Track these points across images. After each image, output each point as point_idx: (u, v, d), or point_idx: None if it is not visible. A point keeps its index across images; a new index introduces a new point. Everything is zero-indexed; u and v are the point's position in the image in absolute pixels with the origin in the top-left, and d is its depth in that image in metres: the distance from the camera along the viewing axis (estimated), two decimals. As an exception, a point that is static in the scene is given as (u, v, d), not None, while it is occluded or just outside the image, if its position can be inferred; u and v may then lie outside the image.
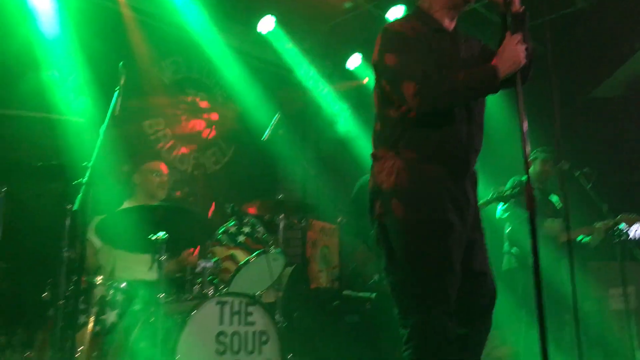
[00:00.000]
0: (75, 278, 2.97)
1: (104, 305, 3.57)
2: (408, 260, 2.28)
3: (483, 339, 2.40)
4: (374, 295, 4.98)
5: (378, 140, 2.47)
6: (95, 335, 3.50)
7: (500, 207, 4.99)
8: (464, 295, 2.32)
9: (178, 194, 5.24)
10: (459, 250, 2.31)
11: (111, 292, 3.61)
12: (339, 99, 6.82)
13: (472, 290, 2.36)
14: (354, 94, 6.82)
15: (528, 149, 2.20)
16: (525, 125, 2.20)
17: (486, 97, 2.52)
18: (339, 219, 5.05)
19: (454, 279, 2.27)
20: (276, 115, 4.54)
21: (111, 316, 3.56)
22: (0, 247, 3.20)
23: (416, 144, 2.35)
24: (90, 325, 3.51)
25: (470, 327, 2.35)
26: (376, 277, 4.96)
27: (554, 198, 5.09)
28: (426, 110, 2.31)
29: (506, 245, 5.05)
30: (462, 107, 2.39)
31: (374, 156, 2.47)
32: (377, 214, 2.38)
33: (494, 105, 2.48)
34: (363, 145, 6.14)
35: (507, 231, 5.02)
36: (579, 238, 4.99)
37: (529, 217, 2.12)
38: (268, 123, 4.55)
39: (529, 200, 2.12)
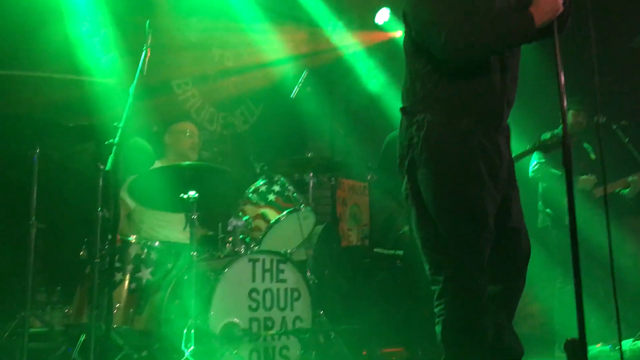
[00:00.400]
0: (110, 237, 3.02)
1: (139, 263, 3.65)
2: (439, 215, 2.25)
3: (517, 296, 2.38)
4: (403, 252, 4.98)
5: (408, 94, 2.40)
6: (131, 292, 3.59)
7: (532, 166, 4.89)
8: (498, 252, 2.28)
9: (207, 154, 5.26)
10: (492, 205, 2.27)
11: (145, 250, 3.68)
12: (368, 54, 6.70)
13: (507, 246, 2.33)
14: (383, 49, 6.69)
15: (565, 102, 2.13)
16: (562, 77, 2.12)
17: (521, 49, 2.43)
18: (368, 177, 5.03)
19: (487, 233, 2.23)
20: (304, 72, 4.49)
21: (146, 274, 3.64)
22: (37, 208, 3.26)
23: (447, 97, 2.28)
24: (126, 282, 3.60)
25: (504, 284, 2.32)
26: (406, 227, 4.95)
27: (588, 147, 4.97)
28: (458, 60, 2.24)
29: (540, 204, 4.98)
30: (496, 58, 2.30)
31: (404, 110, 2.41)
32: (407, 169, 2.35)
33: (526, 55, 2.41)
34: (392, 101, 6.04)
35: (541, 190, 4.94)
36: (617, 191, 4.90)
37: (565, 172, 2.06)
38: (296, 81, 4.50)
39: (565, 153, 2.06)
